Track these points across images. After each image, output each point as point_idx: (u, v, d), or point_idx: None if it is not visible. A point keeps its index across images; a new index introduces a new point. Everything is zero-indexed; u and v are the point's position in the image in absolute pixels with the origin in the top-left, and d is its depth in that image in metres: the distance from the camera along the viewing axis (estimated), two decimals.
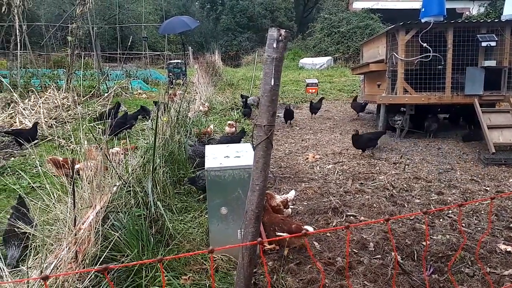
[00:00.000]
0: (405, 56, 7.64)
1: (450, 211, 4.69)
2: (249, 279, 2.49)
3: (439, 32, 7.68)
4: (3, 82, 12.53)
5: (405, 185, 5.57)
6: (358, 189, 5.46)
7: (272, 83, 2.33)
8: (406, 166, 6.43)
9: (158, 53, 26.66)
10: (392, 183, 5.63)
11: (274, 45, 2.31)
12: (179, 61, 18.70)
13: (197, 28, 23.58)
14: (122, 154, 5.06)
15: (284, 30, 2.34)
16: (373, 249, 3.84)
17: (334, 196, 5.16)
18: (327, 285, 3.27)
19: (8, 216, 3.85)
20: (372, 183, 5.70)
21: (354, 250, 3.83)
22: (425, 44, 7.39)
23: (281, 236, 3.65)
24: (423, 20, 7.78)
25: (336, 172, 6.22)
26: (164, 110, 5.95)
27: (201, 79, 13.63)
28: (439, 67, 7.58)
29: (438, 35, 7.68)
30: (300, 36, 33.16)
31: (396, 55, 7.67)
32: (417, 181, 5.77)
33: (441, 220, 4.50)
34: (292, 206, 4.74)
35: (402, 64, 7.64)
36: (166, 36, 23.00)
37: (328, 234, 4.16)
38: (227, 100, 12.72)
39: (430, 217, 4.57)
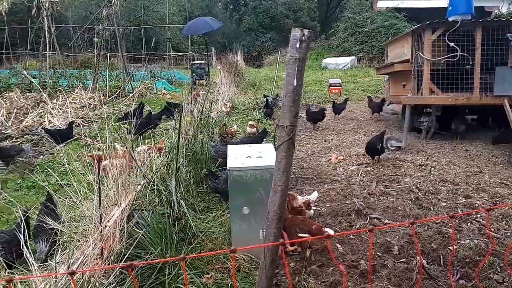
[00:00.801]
0: (431, 56, 7.47)
1: (478, 215, 4.55)
2: (271, 280, 2.49)
3: (466, 31, 7.47)
4: (33, 82, 12.94)
5: (431, 188, 5.45)
6: (383, 191, 5.37)
7: (295, 84, 2.32)
8: (432, 169, 6.28)
9: (182, 53, 26.96)
10: (418, 186, 5.51)
11: (297, 46, 2.30)
12: (202, 61, 18.87)
13: (220, 29, 23.73)
14: (151, 152, 5.14)
15: (307, 30, 2.33)
16: (398, 252, 3.77)
17: (357, 198, 5.09)
18: None
19: (37, 212, 3.98)
20: (397, 185, 5.60)
21: (378, 253, 3.77)
22: (452, 44, 7.21)
23: (302, 237, 3.63)
24: (450, 19, 7.59)
25: (359, 173, 6.14)
26: (181, 111, 6.01)
27: (224, 80, 13.71)
28: (467, 67, 7.37)
29: (466, 34, 7.47)
30: (323, 36, 32.88)
31: (422, 55, 7.51)
32: (444, 183, 5.63)
33: (468, 224, 4.38)
34: (314, 208, 4.70)
35: (428, 64, 7.47)
36: (190, 37, 23.23)
37: (351, 236, 4.11)
38: (249, 101, 12.75)
39: (457, 221, 4.45)
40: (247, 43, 35.46)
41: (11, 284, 1.37)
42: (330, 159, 6.98)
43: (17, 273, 3.23)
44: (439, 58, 7.43)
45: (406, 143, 7.53)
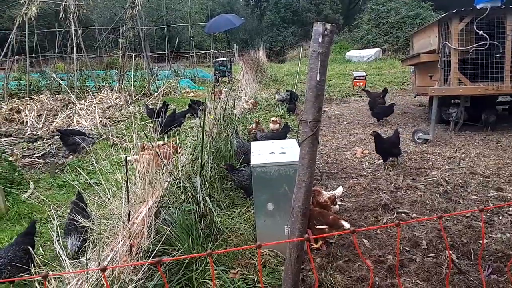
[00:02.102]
0: (459, 45, 7.24)
1: (510, 208, 4.40)
2: (297, 275, 2.49)
3: (496, 19, 7.20)
4: (61, 84, 13.34)
5: (460, 181, 5.30)
6: (410, 185, 5.27)
7: (318, 78, 2.30)
8: (461, 161, 6.11)
9: (204, 51, 27.18)
10: (446, 179, 5.37)
11: (320, 40, 2.28)
12: (225, 59, 18.97)
13: (242, 26, 23.78)
14: (168, 150, 5.21)
15: (329, 24, 2.30)
16: (426, 247, 3.70)
17: (384, 193, 5.02)
18: (377, 283, 3.20)
19: (68, 211, 4.11)
20: (424, 179, 5.48)
21: (406, 248, 3.71)
22: (481, 32, 6.96)
23: (320, 229, 3.62)
24: (478, 6, 7.32)
25: (386, 167, 6.04)
26: (205, 109, 6.05)
27: (246, 76, 13.74)
28: (497, 55, 7.11)
29: (496, 21, 7.20)
30: (347, 28, 32.42)
31: (449, 45, 7.29)
32: (474, 176, 5.47)
33: (500, 217, 4.24)
34: (339, 203, 4.66)
35: (456, 53, 7.25)
36: (212, 34, 23.38)
37: (378, 231, 4.06)
38: (271, 96, 12.73)
39: (488, 214, 4.32)
40: (269, 38, 35.38)
41: (46, 280, 1.43)
42: (355, 154, 6.89)
43: (50, 269, 3.35)
44: (467, 47, 7.20)
45: (433, 135, 7.34)
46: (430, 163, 6.16)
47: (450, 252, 3.55)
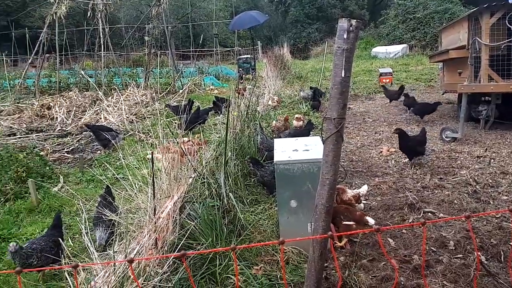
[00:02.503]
0: (490, 41, 7.00)
1: None
2: (320, 273, 2.48)
3: None
4: (89, 81, 13.69)
5: (490, 181, 5.14)
6: (437, 184, 5.15)
7: (343, 75, 2.28)
8: (492, 160, 5.92)
9: (228, 49, 27.29)
10: (476, 178, 5.22)
11: (345, 36, 2.26)
12: (249, 56, 18.99)
13: (266, 22, 23.71)
14: (193, 146, 5.27)
15: (355, 20, 2.27)
16: (454, 248, 3.61)
17: (410, 192, 4.93)
18: (402, 283, 3.15)
19: (96, 204, 4.23)
20: (452, 178, 5.34)
21: (432, 248, 3.64)
22: None
23: (347, 225, 3.59)
24: (510, 1, 7.06)
25: (412, 166, 5.92)
26: (229, 106, 6.08)
27: (270, 73, 13.71)
28: None
29: None
30: (373, 24, 31.89)
31: (480, 40, 7.06)
32: (504, 176, 5.30)
33: None
34: (364, 202, 4.61)
35: (487, 49, 7.01)
36: (236, 31, 23.44)
37: (404, 231, 4.00)
38: (295, 93, 12.66)
39: None
40: (293, 35, 35.16)
41: (76, 270, 1.47)
42: (381, 152, 6.79)
43: (79, 261, 3.46)
44: (498, 43, 6.96)
45: (462, 133, 7.14)
46: (458, 162, 6.01)
47: (479, 253, 3.45)
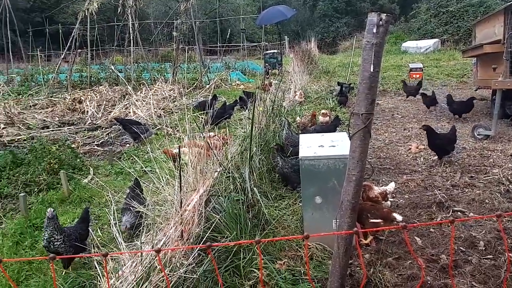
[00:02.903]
0: None
1: None
2: (345, 269, 2.46)
3: None
4: (119, 76, 14.01)
5: None
6: (468, 182, 5.00)
7: (372, 70, 2.24)
8: None
9: (255, 44, 27.29)
10: (509, 177, 5.03)
11: (374, 31, 2.22)
12: (275, 51, 18.91)
13: (293, 17, 23.55)
14: (217, 140, 5.32)
15: (384, 14, 2.23)
16: (484, 248, 3.51)
17: (439, 190, 4.80)
18: (429, 282, 3.09)
19: (124, 196, 4.34)
20: (484, 177, 5.17)
21: (461, 248, 3.54)
22: None
23: (374, 223, 3.54)
24: None
25: (442, 164, 5.77)
26: (254, 100, 6.08)
27: (296, 68, 13.61)
28: None
29: None
30: (403, 18, 31.13)
31: None
32: None
33: None
34: (391, 199, 4.53)
35: None
36: (263, 26, 23.39)
37: (431, 229, 3.91)
38: (322, 88, 12.54)
39: None
40: (321, 29, 34.81)
41: (106, 259, 1.52)
42: (410, 149, 6.64)
43: (108, 251, 3.56)
44: None
45: (495, 131, 6.89)
46: (490, 160, 5.81)
47: (510, 254, 3.33)
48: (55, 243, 3.42)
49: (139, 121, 8.86)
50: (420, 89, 10.43)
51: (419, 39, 23.61)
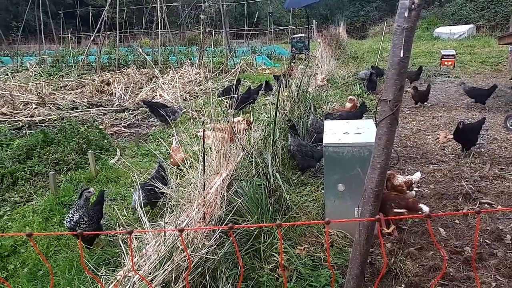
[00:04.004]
0: None
1: None
2: (365, 257, 2.45)
3: None
4: (146, 59, 14.15)
5: None
6: (497, 174, 4.84)
7: (401, 55, 2.18)
8: None
9: (282, 28, 26.94)
10: None
11: (406, 14, 2.15)
12: (303, 35, 18.63)
13: (322, 1, 23.06)
14: (243, 124, 5.32)
15: None
16: (510, 242, 3.41)
17: (466, 181, 4.68)
18: (451, 274, 3.04)
19: (149, 177, 4.42)
20: None
21: (487, 241, 3.46)
22: None
23: (398, 213, 3.49)
24: None
25: (471, 154, 5.60)
26: (286, 85, 6.03)
27: (324, 53, 13.39)
28: None
29: None
30: (437, 2, 29.98)
31: None
32: None
33: None
34: (416, 189, 4.45)
35: None
36: (291, 10, 23.02)
37: (456, 221, 3.83)
38: (349, 74, 12.31)
39: None
40: (350, 13, 33.98)
41: (130, 237, 1.56)
42: (438, 138, 6.47)
43: (133, 229, 3.66)
44: None
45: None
46: None
47: None
48: (82, 225, 3.52)
49: (166, 104, 8.97)
50: (421, 73, 9.73)
51: (453, 25, 22.73)
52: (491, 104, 8.61)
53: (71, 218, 3.54)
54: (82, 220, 3.52)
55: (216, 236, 3.03)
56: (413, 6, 2.14)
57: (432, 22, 25.41)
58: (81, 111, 9.57)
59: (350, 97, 7.98)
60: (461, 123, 5.49)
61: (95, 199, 4.04)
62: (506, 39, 9.07)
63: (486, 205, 4.14)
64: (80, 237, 1.46)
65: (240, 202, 3.51)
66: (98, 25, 14.78)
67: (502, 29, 19.92)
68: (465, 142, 5.60)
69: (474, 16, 22.89)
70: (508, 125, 6.73)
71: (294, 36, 18.89)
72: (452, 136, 6.43)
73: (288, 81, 6.83)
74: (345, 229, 3.60)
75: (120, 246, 3.14)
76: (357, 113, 6.76)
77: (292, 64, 12.24)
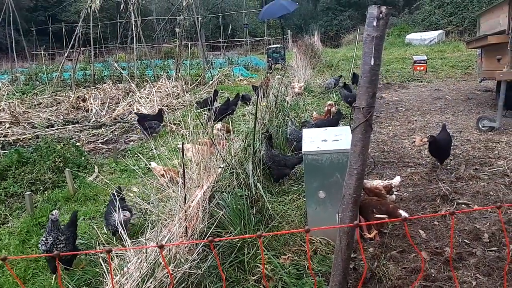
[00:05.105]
0: None
1: None
2: (347, 263, 2.47)
3: None
4: (122, 73, 14.04)
5: None
6: (472, 175, 4.98)
7: (372, 63, 2.23)
8: None
9: (258, 39, 27.20)
10: None
11: (374, 24, 2.21)
12: (278, 45, 18.86)
13: (296, 11, 23.43)
14: (223, 130, 5.30)
15: (384, 7, 2.22)
16: (488, 240, 3.50)
17: (443, 183, 4.79)
18: (433, 275, 3.09)
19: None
20: (489, 169, 5.15)
21: (466, 240, 3.54)
22: None
23: (379, 218, 3.54)
24: None
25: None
26: (264, 95, 6.08)
27: (300, 62, 13.59)
28: None
29: None
30: (407, 10, 30.91)
31: None
32: None
33: None
34: (396, 192, 4.53)
35: None
36: (266, 21, 23.30)
37: (435, 222, 3.90)
38: (325, 82, 12.49)
39: None
40: (324, 23, 34.65)
41: (109, 255, 1.54)
42: (414, 142, 6.61)
43: (113, 247, 3.59)
44: None
45: (500, 123, 6.85)
46: (495, 152, 5.77)
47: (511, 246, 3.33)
48: (59, 245, 3.38)
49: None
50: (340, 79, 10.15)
51: (423, 31, 23.44)
52: (463, 106, 8.87)
53: (45, 241, 3.37)
54: (58, 240, 3.39)
55: (198, 250, 3.00)
56: (381, 15, 2.21)
57: (403, 29, 26.16)
58: (57, 129, 9.39)
59: (329, 102, 8.08)
60: (431, 137, 5.32)
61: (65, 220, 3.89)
62: (474, 43, 9.39)
63: (463, 205, 4.24)
64: (57, 258, 1.43)
65: (222, 214, 3.50)
66: (72, 41, 14.59)
67: (470, 34, 20.64)
68: (440, 157, 5.47)
69: (443, 22, 23.67)
70: (481, 126, 6.95)
71: (270, 46, 19.10)
72: (427, 139, 6.58)
73: (266, 91, 6.89)
74: (327, 235, 3.63)
75: (101, 265, 3.07)
76: (333, 120, 6.87)
77: (269, 74, 12.35)
